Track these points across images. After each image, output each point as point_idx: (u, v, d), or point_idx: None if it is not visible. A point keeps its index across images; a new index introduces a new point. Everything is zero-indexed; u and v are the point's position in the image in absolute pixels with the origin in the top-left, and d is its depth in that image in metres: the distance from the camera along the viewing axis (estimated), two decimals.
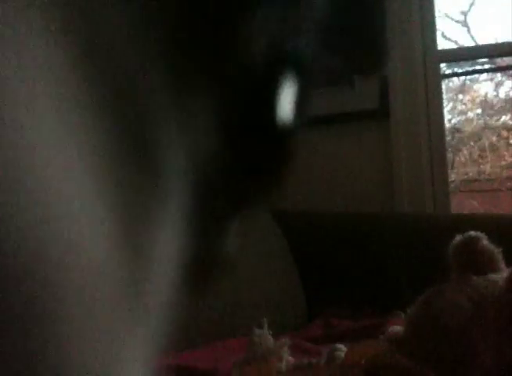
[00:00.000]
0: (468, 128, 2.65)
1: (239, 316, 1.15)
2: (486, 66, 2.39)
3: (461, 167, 2.61)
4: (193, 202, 0.18)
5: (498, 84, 2.59)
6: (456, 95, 2.61)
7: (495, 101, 2.61)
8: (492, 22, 2.51)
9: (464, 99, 2.63)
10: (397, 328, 0.70)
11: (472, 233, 0.67)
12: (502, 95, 2.61)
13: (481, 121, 2.65)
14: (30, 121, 0.13)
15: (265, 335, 0.71)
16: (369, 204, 1.88)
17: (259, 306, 1.23)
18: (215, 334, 1.02)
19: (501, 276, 0.62)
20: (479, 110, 2.65)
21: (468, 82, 2.63)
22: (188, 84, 0.18)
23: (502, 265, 0.66)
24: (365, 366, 0.57)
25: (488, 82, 2.61)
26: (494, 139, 2.61)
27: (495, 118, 2.64)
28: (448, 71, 2.25)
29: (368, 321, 1.21)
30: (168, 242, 0.18)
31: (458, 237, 0.68)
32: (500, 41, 2.18)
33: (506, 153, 2.60)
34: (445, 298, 0.61)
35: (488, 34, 2.82)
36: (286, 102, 0.22)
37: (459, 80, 2.57)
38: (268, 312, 0.81)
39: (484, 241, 0.66)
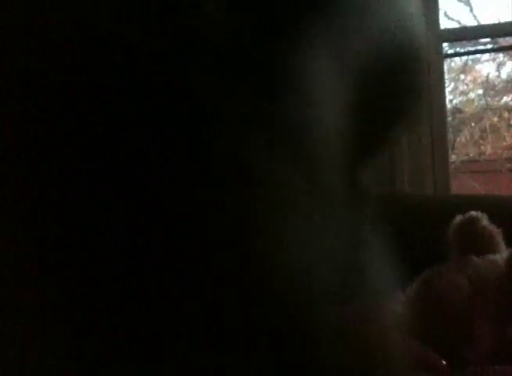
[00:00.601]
0: (469, 109, 2.64)
1: None
2: (488, 47, 2.37)
3: (462, 148, 2.60)
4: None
5: (500, 65, 2.57)
6: (458, 75, 2.59)
7: (496, 82, 2.59)
8: (495, 2, 2.48)
9: (466, 80, 2.61)
10: (395, 307, 0.70)
11: (472, 213, 0.67)
12: (504, 75, 2.59)
13: (483, 102, 2.63)
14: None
15: None
16: (369, 184, 1.88)
17: None
18: None
19: (501, 256, 0.62)
20: (480, 91, 2.63)
21: (470, 62, 2.61)
22: None
23: (503, 245, 0.66)
24: None
25: (491, 62, 2.59)
26: (495, 120, 2.60)
27: (496, 99, 2.63)
28: (450, 51, 2.23)
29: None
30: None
31: (458, 218, 0.68)
32: (503, 21, 2.16)
33: (506, 134, 2.59)
34: (444, 277, 0.61)
35: (490, 14, 2.79)
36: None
37: (461, 60, 2.55)
38: None
39: (485, 222, 0.66)
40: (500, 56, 2.51)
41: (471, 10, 2.41)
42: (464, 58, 2.50)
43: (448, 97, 2.30)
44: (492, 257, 0.63)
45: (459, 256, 0.65)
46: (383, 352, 0.55)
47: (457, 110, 2.58)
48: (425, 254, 0.79)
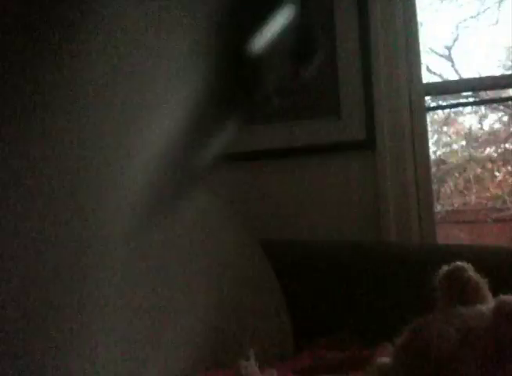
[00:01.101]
0: (453, 160, 2.68)
1: (225, 347, 1.14)
2: (470, 100, 2.44)
3: (446, 198, 2.63)
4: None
5: (482, 117, 2.64)
6: (441, 127, 2.65)
7: (479, 133, 2.65)
8: (476, 56, 2.57)
9: (449, 132, 2.67)
10: (384, 359, 0.69)
11: (458, 263, 0.68)
12: (486, 127, 2.65)
13: (466, 153, 2.68)
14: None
15: (251, 367, 0.70)
16: (356, 234, 1.88)
17: (245, 337, 1.22)
18: (200, 366, 1.01)
19: (487, 307, 0.62)
20: (464, 142, 2.69)
21: (453, 115, 2.67)
22: None
23: (489, 295, 0.66)
24: None
25: (473, 115, 2.65)
26: (479, 170, 2.64)
27: (479, 150, 2.68)
28: (433, 104, 2.29)
29: (355, 352, 1.20)
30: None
31: (444, 267, 0.68)
32: (484, 75, 2.23)
33: (490, 184, 2.63)
34: (432, 328, 0.61)
35: (471, 68, 2.88)
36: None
37: (443, 113, 2.61)
38: (254, 343, 0.81)
39: (471, 272, 0.67)
40: (482, 109, 2.58)
41: (453, 65, 2.49)
42: (447, 111, 2.56)
43: (432, 148, 2.35)
44: (478, 307, 0.63)
45: (446, 306, 0.65)
46: None
47: (441, 161, 2.62)
48: (413, 303, 0.79)
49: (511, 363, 0.58)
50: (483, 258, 0.94)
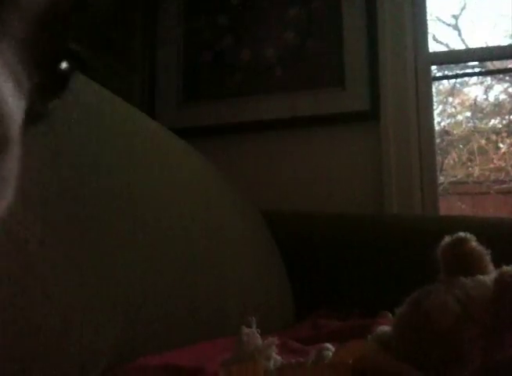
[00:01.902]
0: (457, 131, 2.66)
1: (228, 314, 1.15)
2: (476, 70, 2.41)
3: (450, 169, 2.62)
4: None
5: (487, 88, 2.61)
6: (446, 98, 2.62)
7: (484, 104, 2.63)
8: (483, 26, 2.53)
9: (454, 102, 2.65)
10: (385, 328, 0.70)
11: (461, 234, 0.67)
12: (491, 98, 2.63)
13: (471, 125, 2.66)
14: None
15: (253, 335, 0.70)
16: (359, 205, 1.88)
17: (247, 306, 1.23)
18: (203, 334, 1.02)
19: (489, 277, 0.62)
20: (468, 113, 2.67)
21: (458, 86, 2.64)
22: None
23: (491, 266, 0.66)
24: (352, 366, 0.57)
25: (478, 86, 2.63)
26: (483, 142, 2.63)
27: (484, 121, 2.66)
28: (438, 74, 2.26)
29: (356, 322, 1.21)
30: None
31: (447, 238, 0.68)
32: (490, 44, 2.20)
33: (494, 156, 2.62)
34: (433, 298, 0.61)
35: (478, 38, 2.84)
36: None
37: (449, 83, 2.59)
38: (256, 311, 0.81)
39: (473, 243, 0.66)
40: (488, 80, 2.55)
41: (460, 34, 2.45)
42: (452, 81, 2.54)
43: (437, 119, 2.33)
44: (480, 278, 0.63)
45: (447, 277, 0.65)
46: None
47: (445, 132, 2.60)
48: (414, 275, 0.79)
49: (510, 333, 0.58)
50: (485, 230, 0.94)
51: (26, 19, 0.23)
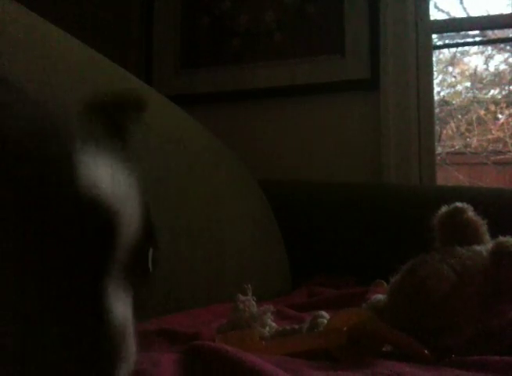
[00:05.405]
0: (456, 101, 2.65)
1: (224, 282, 1.15)
2: (477, 39, 2.38)
3: (448, 140, 2.62)
4: None
5: (488, 58, 2.59)
6: (446, 67, 2.60)
7: (484, 74, 2.60)
8: None
9: (454, 72, 2.62)
10: (379, 297, 0.70)
11: (458, 204, 0.67)
12: (491, 68, 2.60)
13: (470, 95, 2.64)
14: None
15: (249, 301, 0.71)
16: (357, 174, 1.88)
17: (244, 273, 1.24)
18: (199, 300, 1.03)
19: (485, 247, 0.62)
20: (468, 83, 2.64)
21: (458, 55, 2.61)
22: None
23: (487, 237, 0.66)
24: (347, 333, 0.57)
25: (479, 55, 2.60)
26: (482, 112, 2.61)
27: (483, 92, 2.64)
28: (439, 43, 2.23)
29: (351, 290, 1.22)
30: None
31: (443, 208, 0.68)
32: (492, 13, 2.17)
33: (492, 127, 2.61)
34: (428, 267, 0.61)
35: (480, 6, 2.80)
36: None
37: (449, 52, 2.56)
38: (252, 278, 0.82)
39: (470, 213, 0.67)
40: (489, 49, 2.52)
41: (461, 2, 2.41)
42: (453, 50, 2.51)
43: (436, 89, 2.31)
44: (476, 247, 0.63)
45: (443, 246, 0.65)
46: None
47: (444, 102, 2.58)
48: (410, 244, 0.80)
49: (506, 302, 0.58)
50: (483, 200, 0.94)
51: (125, 251, 0.30)
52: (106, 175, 0.29)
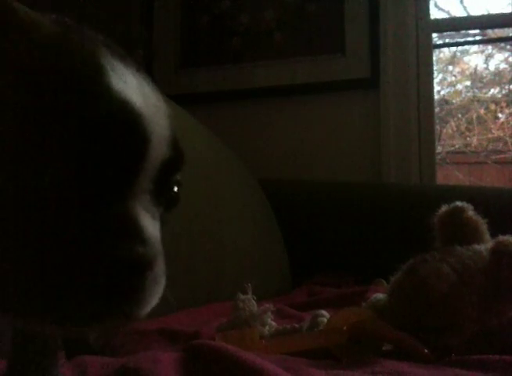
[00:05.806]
0: (457, 100, 2.64)
1: (224, 281, 1.15)
2: (477, 38, 2.38)
3: (448, 139, 2.62)
4: None
5: (488, 57, 2.58)
6: (446, 66, 2.60)
7: (484, 73, 2.60)
8: None
9: (454, 71, 2.62)
10: (380, 296, 0.70)
11: (458, 203, 0.67)
12: (491, 67, 2.60)
13: (470, 94, 2.64)
14: None
15: (249, 300, 0.71)
16: (357, 173, 1.88)
17: (244, 272, 1.24)
18: (200, 299, 1.03)
19: (485, 247, 0.62)
20: (468, 83, 2.64)
21: (459, 54, 2.61)
22: None
23: (487, 236, 0.66)
24: (347, 332, 0.58)
25: (479, 54, 2.60)
26: (482, 111, 2.61)
27: (483, 91, 2.64)
28: (439, 42, 2.23)
29: (351, 289, 1.22)
30: None
31: (443, 207, 0.68)
32: (492, 12, 2.17)
33: (492, 126, 2.61)
34: (428, 266, 0.61)
35: (480, 6, 2.80)
36: None
37: (449, 51, 2.56)
38: (252, 277, 0.82)
39: (470, 212, 0.67)
40: (489, 48, 2.52)
41: (461, 1, 2.41)
42: (453, 49, 2.51)
43: (436, 88, 2.31)
44: (476, 247, 0.63)
45: (443, 245, 0.65)
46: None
47: (445, 101, 2.58)
48: (410, 243, 0.80)
49: (506, 302, 0.58)
50: (483, 199, 0.94)
51: (153, 178, 0.32)
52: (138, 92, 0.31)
